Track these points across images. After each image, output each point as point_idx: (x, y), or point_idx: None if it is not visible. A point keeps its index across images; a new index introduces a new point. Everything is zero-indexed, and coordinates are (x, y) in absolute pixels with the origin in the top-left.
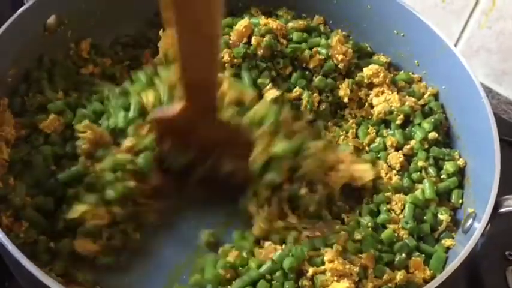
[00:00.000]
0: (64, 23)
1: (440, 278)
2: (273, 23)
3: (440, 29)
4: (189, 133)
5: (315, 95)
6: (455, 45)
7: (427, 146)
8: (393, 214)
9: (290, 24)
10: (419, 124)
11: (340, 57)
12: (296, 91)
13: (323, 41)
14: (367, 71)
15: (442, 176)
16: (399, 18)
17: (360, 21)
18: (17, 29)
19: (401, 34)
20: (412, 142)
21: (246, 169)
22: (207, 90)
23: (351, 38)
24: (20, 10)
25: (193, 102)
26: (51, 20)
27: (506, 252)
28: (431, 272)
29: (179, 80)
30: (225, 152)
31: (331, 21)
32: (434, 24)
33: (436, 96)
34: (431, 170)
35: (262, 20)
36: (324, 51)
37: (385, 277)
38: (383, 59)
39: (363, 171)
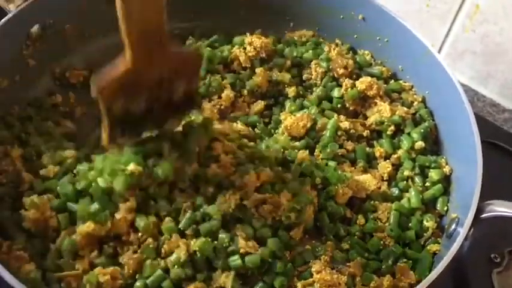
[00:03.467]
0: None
1: (426, 281)
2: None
3: (424, 32)
4: (139, 81)
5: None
6: (440, 48)
7: (413, 155)
8: (379, 223)
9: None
10: (408, 133)
11: (341, 71)
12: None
13: (323, 54)
14: (360, 84)
15: (427, 184)
16: (382, 24)
17: (343, 28)
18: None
19: (385, 39)
20: (400, 151)
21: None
22: (155, 30)
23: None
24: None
25: (142, 49)
26: (35, 29)
27: (492, 255)
28: (417, 276)
29: (125, 35)
30: (175, 79)
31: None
32: (418, 29)
33: (424, 102)
34: (417, 179)
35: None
36: (324, 64)
37: (372, 284)
38: (383, 69)
39: (367, 182)
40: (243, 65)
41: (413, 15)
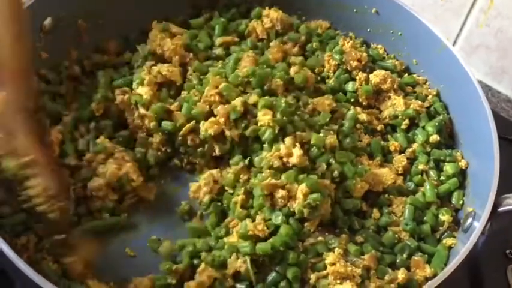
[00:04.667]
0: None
1: (442, 275)
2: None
3: (438, 27)
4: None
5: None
6: (454, 43)
7: (429, 149)
8: (394, 217)
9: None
10: (423, 127)
11: (354, 64)
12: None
13: (337, 47)
14: (374, 77)
15: (442, 178)
16: (396, 17)
17: (356, 21)
18: None
19: (399, 33)
20: (414, 145)
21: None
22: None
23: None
24: None
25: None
26: (47, 22)
27: (507, 251)
28: (433, 270)
29: None
30: None
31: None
32: (432, 22)
33: (438, 96)
34: (432, 173)
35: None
36: (337, 56)
37: (387, 277)
38: (396, 63)
39: (384, 176)
40: (260, 37)
41: (427, 10)
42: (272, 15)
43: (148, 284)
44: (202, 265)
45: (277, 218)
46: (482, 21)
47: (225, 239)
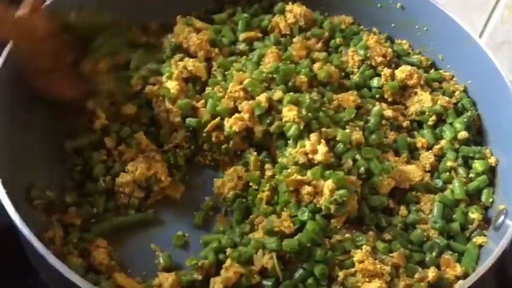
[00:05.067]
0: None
1: (476, 275)
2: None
3: (464, 22)
4: None
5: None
6: None
7: (457, 146)
8: (422, 214)
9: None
10: (451, 123)
11: (379, 59)
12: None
13: (361, 42)
14: (400, 73)
15: (471, 175)
16: (421, 12)
17: (380, 16)
18: None
19: (424, 28)
20: (442, 142)
21: None
22: None
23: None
24: None
25: None
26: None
27: None
28: (463, 269)
29: None
30: None
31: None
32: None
33: (466, 92)
34: (461, 170)
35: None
36: (362, 52)
37: (417, 276)
38: (422, 59)
39: (411, 173)
40: (283, 32)
41: (451, 5)
42: (295, 10)
43: (173, 279)
44: (228, 261)
45: (303, 215)
46: (507, 17)
47: (251, 235)
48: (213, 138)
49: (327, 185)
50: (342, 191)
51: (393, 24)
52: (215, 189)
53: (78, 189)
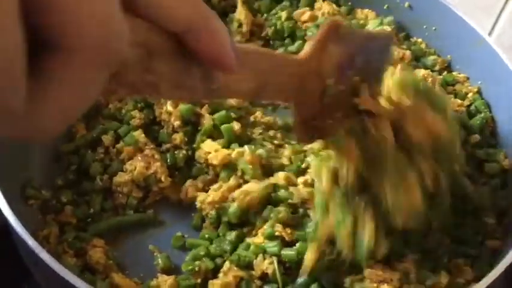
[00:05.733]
0: None
1: (488, 279)
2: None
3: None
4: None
5: None
6: None
7: (469, 149)
8: None
9: None
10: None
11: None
12: None
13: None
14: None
15: (483, 179)
16: (430, 12)
17: (388, 16)
18: None
19: (433, 28)
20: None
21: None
22: None
23: None
24: None
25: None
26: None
27: None
28: (476, 274)
29: None
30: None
31: None
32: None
33: (480, 93)
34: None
35: None
36: None
37: (428, 282)
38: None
39: None
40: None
41: (458, 6)
42: (325, 8)
43: (172, 283)
44: (227, 264)
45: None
46: None
47: (250, 240)
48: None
49: None
50: None
51: (400, 24)
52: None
53: (74, 188)
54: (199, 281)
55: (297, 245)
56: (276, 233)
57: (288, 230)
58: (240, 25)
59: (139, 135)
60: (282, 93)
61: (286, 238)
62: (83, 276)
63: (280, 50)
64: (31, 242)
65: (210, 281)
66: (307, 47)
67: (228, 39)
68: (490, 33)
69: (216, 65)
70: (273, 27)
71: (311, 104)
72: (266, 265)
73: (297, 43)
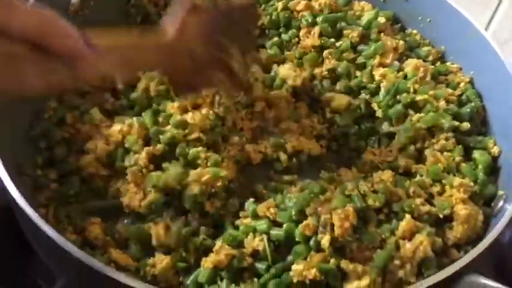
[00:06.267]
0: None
1: (471, 255)
2: None
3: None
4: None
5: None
6: None
7: (459, 136)
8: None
9: None
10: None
11: (390, 55)
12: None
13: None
14: (407, 67)
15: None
16: (425, 3)
17: (383, 8)
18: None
19: (428, 19)
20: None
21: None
22: None
23: None
24: None
25: None
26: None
27: None
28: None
29: None
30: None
31: None
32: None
33: (471, 83)
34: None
35: None
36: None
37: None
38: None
39: None
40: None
41: (455, 1)
42: None
43: (167, 262)
44: (219, 243)
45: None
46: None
47: (238, 222)
48: None
49: None
50: None
51: (396, 15)
52: None
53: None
54: (192, 261)
55: (285, 225)
56: (260, 213)
57: (272, 210)
58: None
59: (95, 112)
60: (149, 64)
61: (271, 218)
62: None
63: (275, 39)
64: (34, 216)
65: (203, 259)
66: (169, 26)
67: (76, 35)
68: (486, 28)
69: (73, 57)
70: (268, 17)
71: (181, 67)
72: (257, 242)
73: (291, 32)
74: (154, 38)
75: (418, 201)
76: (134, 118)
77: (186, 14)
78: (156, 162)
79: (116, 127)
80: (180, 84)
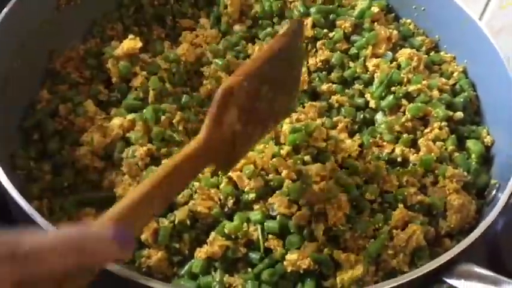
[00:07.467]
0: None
1: (464, 243)
2: None
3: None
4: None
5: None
6: None
7: (452, 126)
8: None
9: None
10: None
11: (383, 46)
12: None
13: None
14: (400, 57)
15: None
16: None
17: None
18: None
19: (422, 8)
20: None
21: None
22: None
23: None
24: None
25: None
26: None
27: None
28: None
29: None
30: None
31: None
32: None
33: (465, 73)
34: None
35: None
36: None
37: None
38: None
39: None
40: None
41: None
42: None
43: (162, 254)
44: (213, 234)
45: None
46: (505, 3)
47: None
48: None
49: None
50: None
51: (390, 5)
52: None
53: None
54: (186, 252)
55: (278, 217)
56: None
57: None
58: (226, 6)
59: (89, 104)
60: (198, 172)
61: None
62: None
63: (268, 30)
64: (28, 208)
65: (198, 249)
66: (205, 126)
67: (107, 241)
68: (480, 18)
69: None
70: (261, 7)
71: (225, 153)
72: (251, 231)
73: (284, 22)
74: (189, 151)
75: (412, 190)
76: (135, 114)
77: (218, 109)
78: (154, 156)
79: (116, 121)
80: (225, 161)
